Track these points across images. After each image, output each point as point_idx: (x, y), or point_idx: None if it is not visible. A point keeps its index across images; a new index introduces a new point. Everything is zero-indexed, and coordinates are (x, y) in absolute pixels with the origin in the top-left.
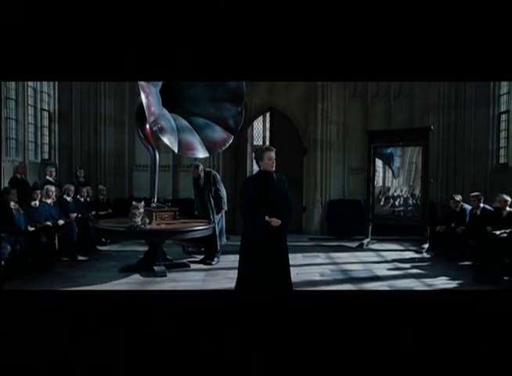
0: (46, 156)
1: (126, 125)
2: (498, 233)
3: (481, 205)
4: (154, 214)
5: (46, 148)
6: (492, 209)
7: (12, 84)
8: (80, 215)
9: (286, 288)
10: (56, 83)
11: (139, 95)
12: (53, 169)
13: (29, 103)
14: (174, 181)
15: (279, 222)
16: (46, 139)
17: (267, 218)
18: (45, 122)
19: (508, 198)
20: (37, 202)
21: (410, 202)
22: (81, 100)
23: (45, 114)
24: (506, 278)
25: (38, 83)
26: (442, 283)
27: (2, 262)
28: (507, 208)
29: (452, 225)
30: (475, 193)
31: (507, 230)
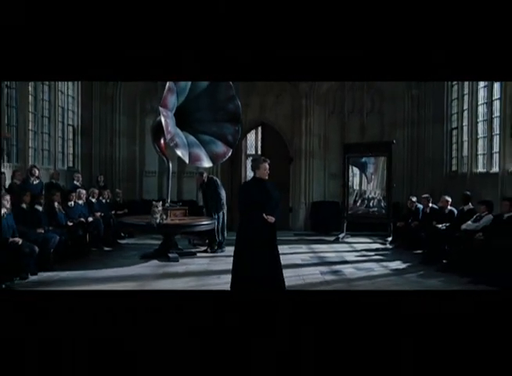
0: (71, 164)
1: (137, 138)
2: (440, 226)
3: (430, 205)
4: (169, 211)
5: (71, 157)
6: (437, 207)
7: (46, 104)
8: (103, 214)
9: (279, 285)
10: (80, 101)
11: (150, 114)
12: (79, 175)
13: (59, 119)
14: (179, 185)
15: (274, 219)
16: (71, 150)
17: (264, 215)
18: (70, 135)
19: (449, 199)
20: (72, 202)
21: (382, 204)
22: (99, 117)
23: (70, 129)
24: (444, 261)
25: (66, 102)
26: (395, 265)
27: (51, 250)
28: (448, 207)
29: (410, 221)
30: (425, 195)
31: (447, 224)
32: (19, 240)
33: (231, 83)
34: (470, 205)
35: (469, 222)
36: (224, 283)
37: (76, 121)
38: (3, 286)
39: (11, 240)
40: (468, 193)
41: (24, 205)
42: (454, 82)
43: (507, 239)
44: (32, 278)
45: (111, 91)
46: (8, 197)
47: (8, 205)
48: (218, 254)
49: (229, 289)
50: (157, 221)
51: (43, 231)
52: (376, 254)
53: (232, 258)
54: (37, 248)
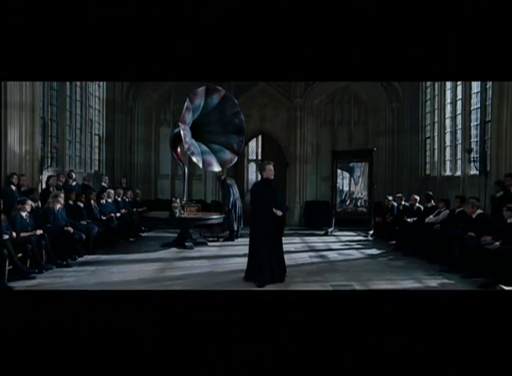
0: (97, 168)
1: (152, 145)
2: (409, 220)
3: (403, 203)
4: (185, 207)
5: (97, 162)
6: (408, 205)
7: (79, 118)
8: (127, 211)
9: (282, 266)
10: (104, 114)
11: (164, 124)
12: (107, 178)
13: (88, 130)
14: (189, 186)
15: (281, 213)
16: (97, 156)
17: (274, 210)
18: (96, 143)
19: (417, 197)
20: (104, 201)
21: (367, 203)
22: (120, 127)
23: (96, 138)
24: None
25: (93, 115)
26: (371, 251)
27: (91, 239)
28: (417, 204)
29: (386, 216)
30: (399, 195)
31: (415, 218)
32: (71, 229)
33: (236, 101)
34: (433, 202)
35: (431, 216)
36: (231, 263)
37: (101, 130)
38: (64, 263)
39: (65, 228)
40: (430, 193)
41: (71, 202)
42: (428, 97)
43: (456, 228)
44: (79, 259)
45: (130, 104)
46: (62, 195)
47: (62, 201)
48: (225, 243)
49: (240, 270)
50: (177, 215)
51: (85, 223)
52: (357, 244)
53: (237, 247)
54: (84, 236)
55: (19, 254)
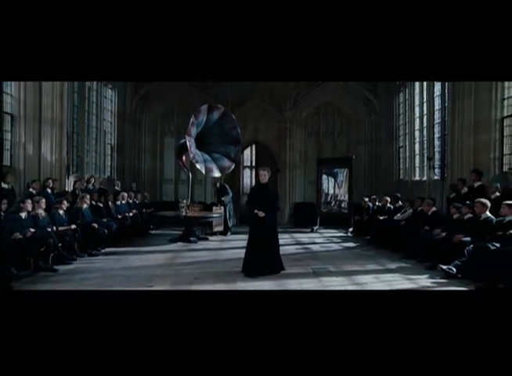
0: (109, 174)
1: (158, 153)
2: (381, 218)
3: (377, 203)
4: (190, 207)
5: (109, 168)
6: (380, 205)
7: (94, 129)
8: (137, 211)
9: (276, 261)
10: (116, 125)
11: (168, 135)
12: (119, 182)
13: (102, 140)
14: (191, 189)
15: (263, 214)
16: (109, 163)
17: (256, 211)
18: (109, 152)
19: (388, 198)
20: (119, 202)
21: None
22: (129, 137)
23: (109, 146)
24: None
25: (106, 126)
26: (348, 245)
27: (111, 234)
28: (388, 204)
29: (363, 215)
30: (373, 196)
31: (386, 216)
32: (96, 225)
33: (233, 116)
34: (400, 203)
35: (398, 215)
36: (230, 254)
37: (113, 140)
38: (93, 252)
39: (92, 225)
40: (398, 195)
41: (93, 202)
42: (401, 111)
43: (417, 224)
44: (102, 251)
45: (139, 117)
46: (88, 196)
47: (88, 202)
48: (224, 238)
49: (237, 259)
50: (183, 214)
51: (105, 220)
52: (337, 239)
53: (235, 241)
54: (106, 231)
55: (59, 244)
